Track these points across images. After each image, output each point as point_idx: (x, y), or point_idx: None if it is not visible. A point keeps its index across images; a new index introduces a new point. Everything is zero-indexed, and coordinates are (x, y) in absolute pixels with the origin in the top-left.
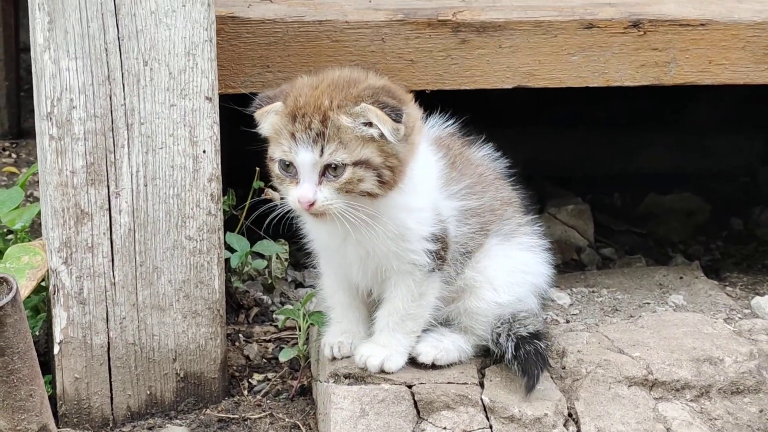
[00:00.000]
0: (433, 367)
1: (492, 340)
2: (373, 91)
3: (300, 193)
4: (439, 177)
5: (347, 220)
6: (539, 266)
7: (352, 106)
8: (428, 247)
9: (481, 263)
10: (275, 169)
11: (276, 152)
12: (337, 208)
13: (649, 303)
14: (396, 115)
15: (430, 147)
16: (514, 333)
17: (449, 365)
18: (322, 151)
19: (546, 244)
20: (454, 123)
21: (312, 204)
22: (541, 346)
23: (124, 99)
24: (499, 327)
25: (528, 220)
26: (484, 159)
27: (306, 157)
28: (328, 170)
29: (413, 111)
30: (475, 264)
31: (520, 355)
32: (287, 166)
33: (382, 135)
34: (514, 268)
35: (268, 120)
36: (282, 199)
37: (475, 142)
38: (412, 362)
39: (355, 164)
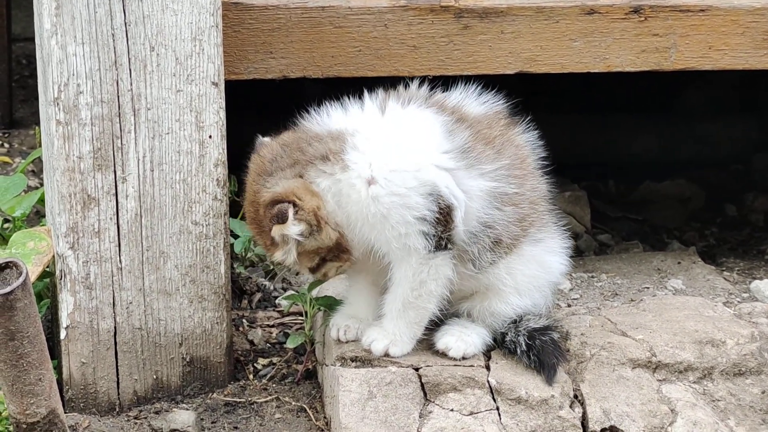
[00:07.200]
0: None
1: (497, 340)
2: None
3: None
4: (458, 154)
5: None
6: (562, 268)
7: None
8: (422, 229)
9: (513, 265)
10: None
11: None
12: None
13: (648, 287)
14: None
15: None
16: (524, 328)
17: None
18: None
19: (569, 245)
20: (501, 102)
21: None
22: (555, 337)
23: (131, 84)
24: (504, 327)
25: (557, 218)
26: (527, 144)
27: None
28: None
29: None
30: (509, 263)
31: (535, 345)
32: None
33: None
34: (539, 273)
35: None
36: None
37: (518, 124)
38: (420, 344)
39: None
